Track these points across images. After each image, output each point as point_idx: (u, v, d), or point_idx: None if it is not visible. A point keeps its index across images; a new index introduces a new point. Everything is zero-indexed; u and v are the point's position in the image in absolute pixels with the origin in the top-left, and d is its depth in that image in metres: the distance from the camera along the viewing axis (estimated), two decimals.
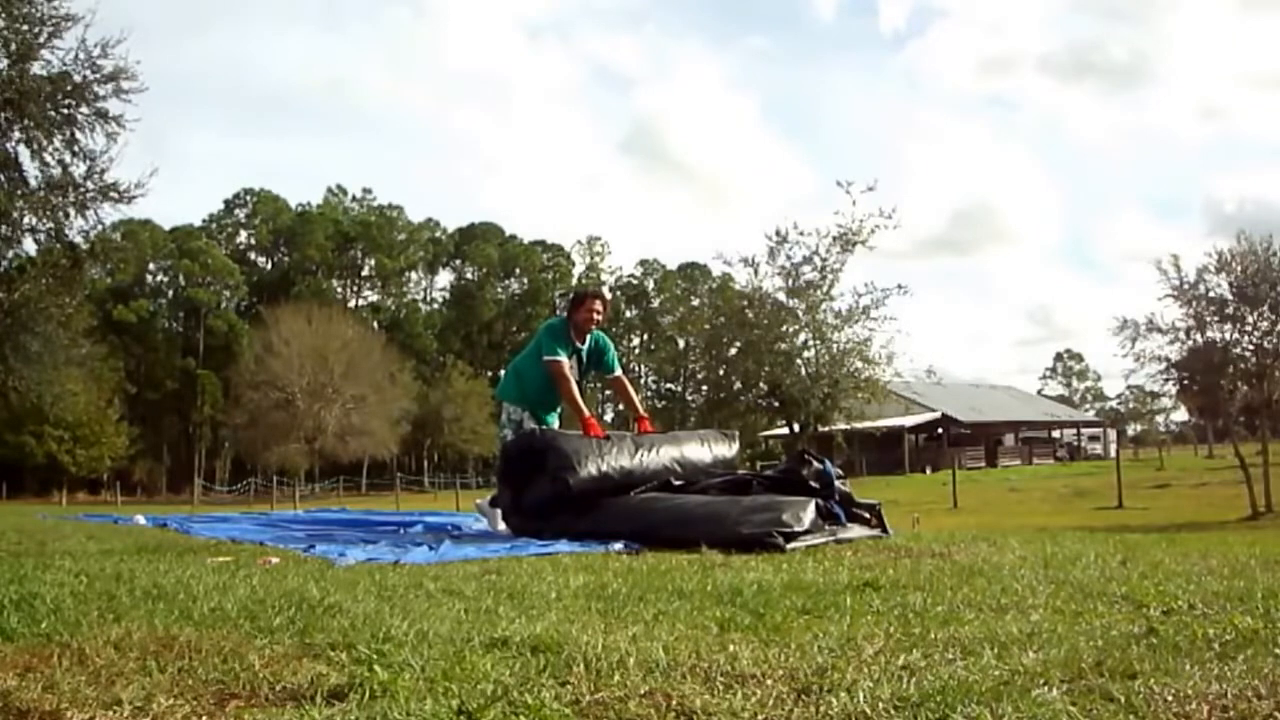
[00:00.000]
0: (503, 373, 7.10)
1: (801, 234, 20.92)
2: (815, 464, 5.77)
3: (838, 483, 5.69)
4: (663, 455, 6.05)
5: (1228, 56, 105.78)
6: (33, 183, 9.97)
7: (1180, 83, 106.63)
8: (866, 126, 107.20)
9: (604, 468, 5.71)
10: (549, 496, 5.71)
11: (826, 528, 5.29)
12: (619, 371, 6.69)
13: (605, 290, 7.45)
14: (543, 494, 5.76)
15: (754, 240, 71.01)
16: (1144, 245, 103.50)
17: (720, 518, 5.19)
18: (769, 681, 2.02)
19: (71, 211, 10.12)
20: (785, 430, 25.71)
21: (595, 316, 6.35)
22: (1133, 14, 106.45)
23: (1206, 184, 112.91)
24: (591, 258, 77.27)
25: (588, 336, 6.43)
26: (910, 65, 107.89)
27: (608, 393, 44.96)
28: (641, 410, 6.67)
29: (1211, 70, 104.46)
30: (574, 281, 75.95)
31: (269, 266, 72.47)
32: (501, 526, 6.20)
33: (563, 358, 6.19)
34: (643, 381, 73.34)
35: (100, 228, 10.67)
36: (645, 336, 74.16)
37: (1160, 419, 72.92)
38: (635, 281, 76.25)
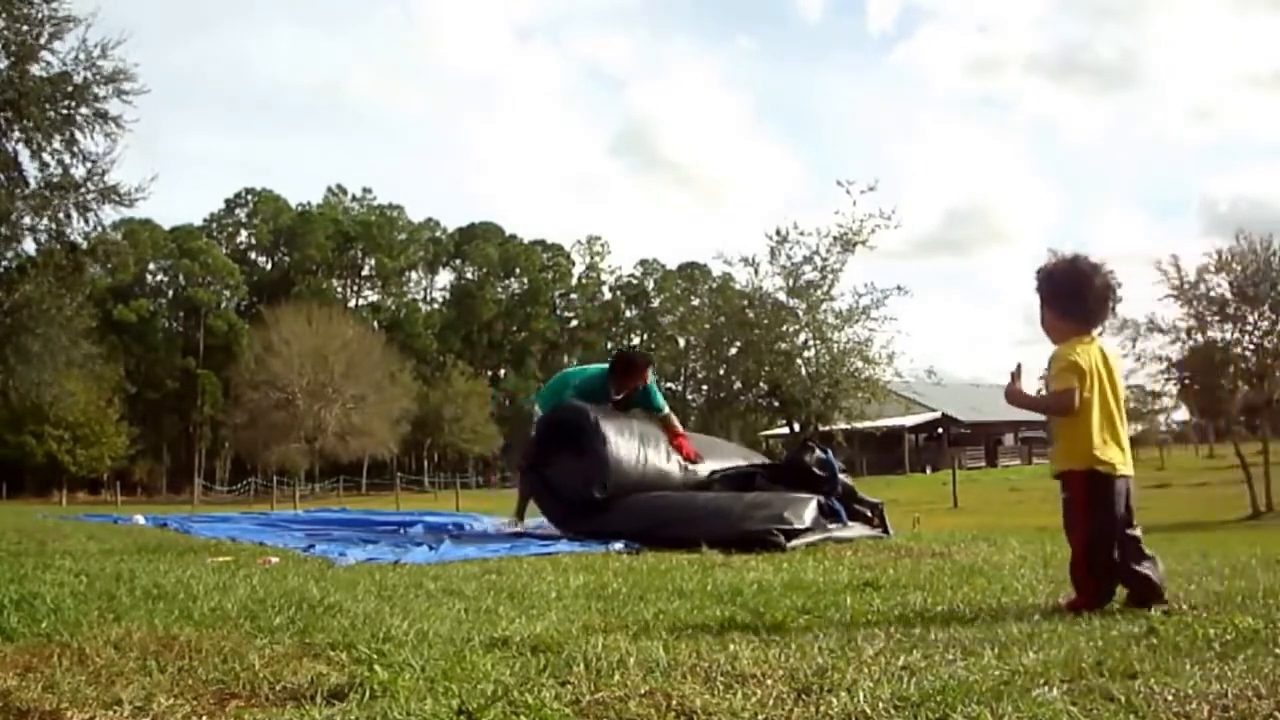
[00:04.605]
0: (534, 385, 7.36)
1: (802, 234, 20.90)
2: (818, 451, 5.82)
3: (841, 475, 5.74)
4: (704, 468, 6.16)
5: (1219, 56, 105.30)
6: (33, 183, 9.98)
7: (1172, 82, 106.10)
8: (858, 126, 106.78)
9: (639, 474, 5.77)
10: (577, 500, 5.78)
11: (828, 526, 5.31)
12: (665, 411, 6.72)
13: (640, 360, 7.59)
14: (572, 482, 5.83)
15: (748, 239, 71.16)
16: (1140, 245, 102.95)
17: (724, 514, 5.22)
18: (769, 681, 2.01)
19: (73, 213, 10.14)
20: (785, 430, 25.70)
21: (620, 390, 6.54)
22: (1119, 13, 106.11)
23: (1201, 184, 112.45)
24: (591, 257, 77.31)
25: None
26: (900, 66, 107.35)
27: None
28: (679, 430, 6.65)
29: (1203, 70, 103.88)
30: (574, 282, 75.96)
31: (269, 266, 72.42)
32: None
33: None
34: None
35: (100, 229, 10.70)
36: (645, 336, 74.11)
37: (1160, 419, 72.72)
38: (635, 281, 76.25)
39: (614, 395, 6.51)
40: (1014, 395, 3.15)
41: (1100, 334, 3.16)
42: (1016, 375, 3.13)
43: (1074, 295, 3.07)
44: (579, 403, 6.16)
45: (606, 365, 6.73)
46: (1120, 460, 3.01)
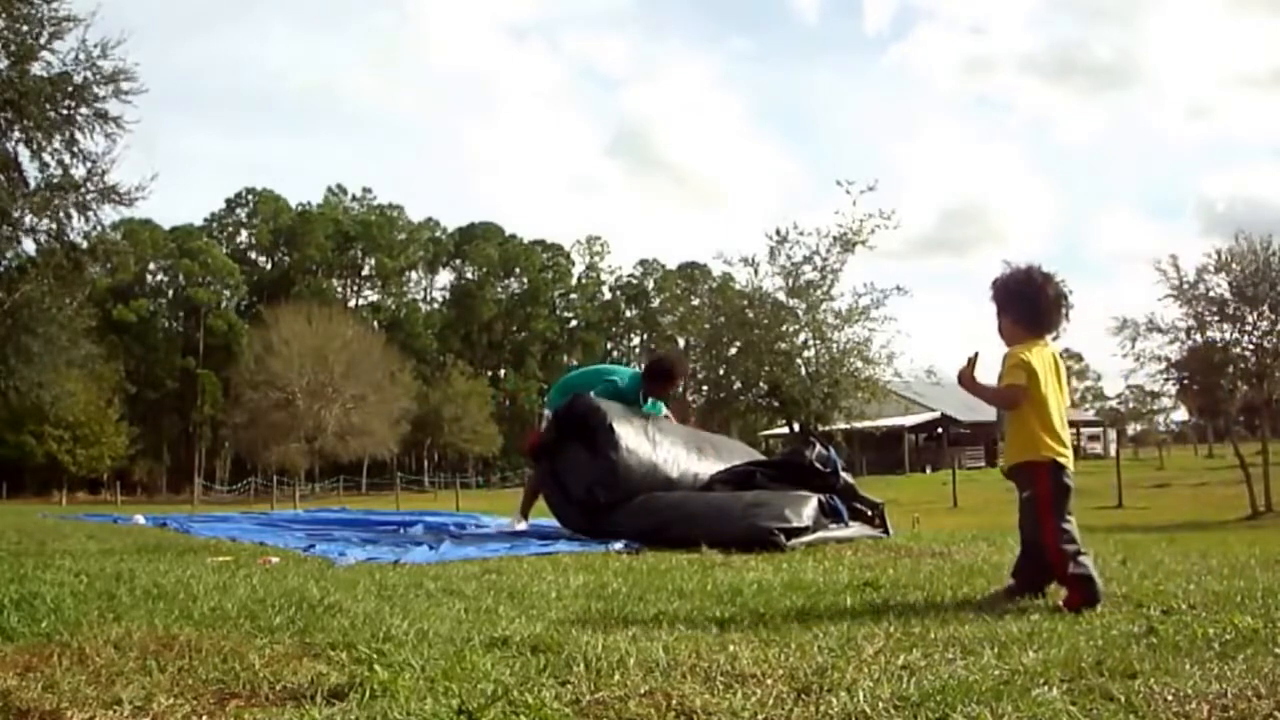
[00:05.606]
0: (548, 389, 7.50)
1: (801, 234, 20.90)
2: (819, 447, 5.81)
3: (842, 474, 5.73)
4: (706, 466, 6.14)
5: (1214, 56, 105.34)
6: (33, 183, 9.97)
7: (1167, 82, 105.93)
8: (855, 127, 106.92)
9: (649, 478, 5.77)
10: (581, 498, 5.80)
11: (828, 524, 5.30)
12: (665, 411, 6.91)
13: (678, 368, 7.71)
14: (580, 480, 5.84)
15: (747, 239, 71.18)
16: (1137, 244, 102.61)
17: (725, 514, 5.21)
18: (769, 681, 2.02)
19: (73, 213, 10.13)
20: (785, 430, 25.69)
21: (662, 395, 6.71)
22: (1114, 13, 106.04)
23: (1198, 183, 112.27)
24: (591, 257, 77.32)
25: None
26: (896, 66, 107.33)
27: None
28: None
29: (1198, 70, 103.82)
30: (574, 282, 75.97)
31: (269, 266, 72.41)
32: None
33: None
34: None
35: (100, 229, 10.69)
36: (645, 336, 74.12)
37: (1160, 419, 72.76)
38: (635, 281, 76.22)
39: (643, 401, 6.56)
40: (965, 380, 3.27)
41: (1056, 339, 3.33)
42: (973, 362, 3.25)
43: (1028, 302, 3.24)
44: (595, 400, 6.10)
45: (640, 371, 6.75)
46: (1070, 457, 3.17)
